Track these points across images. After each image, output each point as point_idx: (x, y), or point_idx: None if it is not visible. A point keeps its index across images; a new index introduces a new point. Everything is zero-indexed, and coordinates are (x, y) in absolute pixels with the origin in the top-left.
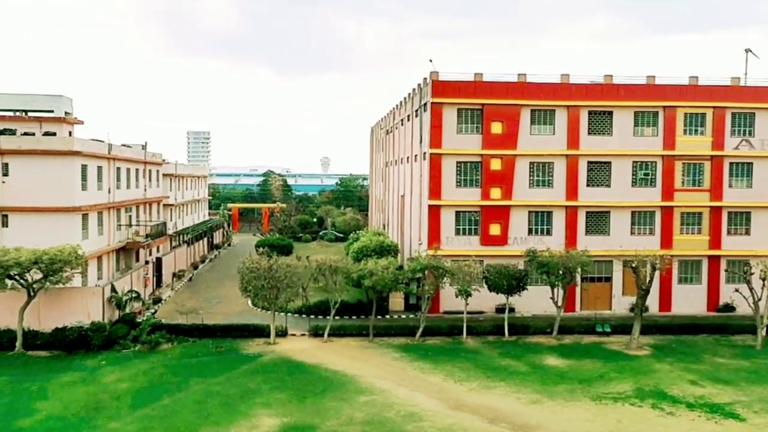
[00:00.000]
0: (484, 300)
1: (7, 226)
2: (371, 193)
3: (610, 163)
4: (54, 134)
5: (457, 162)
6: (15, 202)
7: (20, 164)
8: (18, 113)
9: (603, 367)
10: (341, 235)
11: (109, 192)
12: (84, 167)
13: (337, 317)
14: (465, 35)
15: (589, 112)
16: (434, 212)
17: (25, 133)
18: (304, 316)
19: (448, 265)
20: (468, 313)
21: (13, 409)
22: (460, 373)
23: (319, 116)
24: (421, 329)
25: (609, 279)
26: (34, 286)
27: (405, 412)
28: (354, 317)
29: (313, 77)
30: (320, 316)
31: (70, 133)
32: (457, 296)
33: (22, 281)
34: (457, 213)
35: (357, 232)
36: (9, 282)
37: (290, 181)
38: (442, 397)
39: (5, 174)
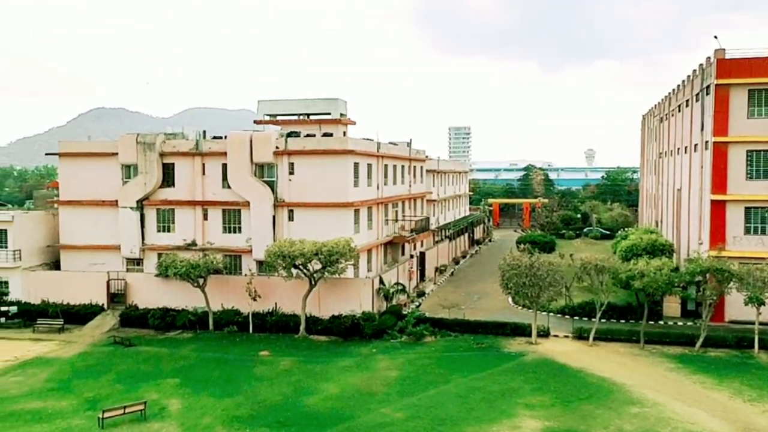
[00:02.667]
0: None
1: (292, 220)
2: (642, 187)
3: None
4: (331, 135)
5: (748, 151)
6: (298, 198)
7: (303, 164)
8: (301, 117)
9: None
10: (607, 233)
11: (378, 188)
12: (356, 165)
13: (603, 320)
14: (758, 7)
15: None
16: (718, 208)
17: (307, 135)
18: (567, 316)
19: (735, 268)
20: (760, 324)
21: (301, 387)
22: (750, 391)
23: (584, 107)
24: (701, 339)
25: None
26: (315, 275)
27: (683, 429)
28: (622, 321)
29: (579, 67)
30: (584, 318)
31: (344, 134)
32: (746, 304)
33: (305, 271)
34: (747, 209)
35: (625, 229)
36: (294, 271)
37: (552, 176)
38: (728, 417)
39: (291, 173)
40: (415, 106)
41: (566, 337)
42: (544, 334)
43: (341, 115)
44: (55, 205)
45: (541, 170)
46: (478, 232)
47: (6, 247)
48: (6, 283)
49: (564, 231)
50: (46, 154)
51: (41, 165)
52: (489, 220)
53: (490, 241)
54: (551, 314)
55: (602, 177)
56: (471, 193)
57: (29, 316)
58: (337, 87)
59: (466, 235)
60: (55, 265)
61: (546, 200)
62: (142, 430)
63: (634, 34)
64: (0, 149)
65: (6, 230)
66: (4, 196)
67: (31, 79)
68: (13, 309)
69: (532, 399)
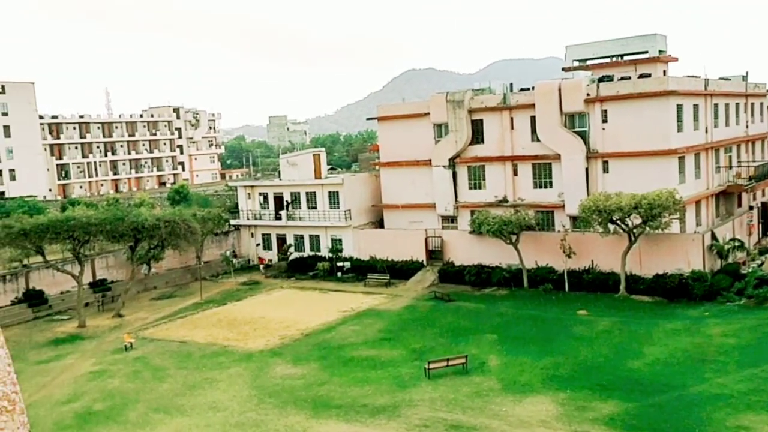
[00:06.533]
0: None
1: (607, 172)
2: None
3: None
4: (648, 75)
5: None
6: (613, 148)
7: (617, 110)
8: (614, 59)
9: None
10: None
11: (706, 131)
12: (679, 107)
13: None
14: None
15: None
16: None
17: (621, 78)
18: None
19: None
20: None
21: (623, 350)
22: None
23: None
24: None
25: None
26: (634, 231)
27: None
28: None
29: None
30: None
31: (664, 73)
32: None
33: (623, 226)
34: None
35: None
36: (611, 227)
37: None
38: None
39: (604, 121)
40: (752, 32)
41: None
42: None
43: (660, 52)
44: (377, 167)
45: None
46: None
47: (338, 208)
48: (340, 240)
49: None
50: (367, 118)
51: (363, 130)
52: None
53: None
54: None
55: None
56: None
57: (359, 270)
58: (654, 22)
59: None
60: (379, 223)
61: None
62: (465, 383)
63: None
64: (328, 117)
65: (338, 192)
66: (334, 160)
67: (350, 48)
68: (347, 264)
69: None
